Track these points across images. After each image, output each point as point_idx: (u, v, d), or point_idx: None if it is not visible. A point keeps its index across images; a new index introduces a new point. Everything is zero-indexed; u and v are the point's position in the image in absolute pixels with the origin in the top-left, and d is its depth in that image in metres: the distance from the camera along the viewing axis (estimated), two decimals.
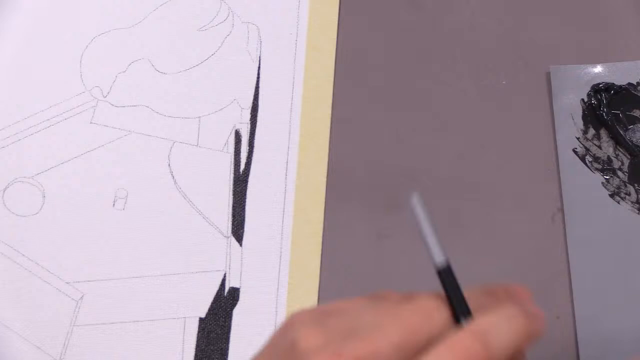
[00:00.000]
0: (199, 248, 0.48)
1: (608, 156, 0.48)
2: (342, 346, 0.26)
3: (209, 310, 0.47)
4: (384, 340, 0.26)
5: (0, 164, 0.51)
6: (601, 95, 0.50)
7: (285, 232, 0.48)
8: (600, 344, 0.43)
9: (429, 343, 0.26)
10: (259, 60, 0.54)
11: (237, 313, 0.47)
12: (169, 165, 0.51)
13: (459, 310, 0.27)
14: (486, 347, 0.26)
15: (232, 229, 0.49)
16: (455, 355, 0.26)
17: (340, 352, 0.26)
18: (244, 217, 0.49)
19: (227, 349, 0.46)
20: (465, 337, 0.26)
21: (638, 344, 0.43)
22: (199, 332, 0.46)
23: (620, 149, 0.49)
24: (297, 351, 0.27)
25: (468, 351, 0.26)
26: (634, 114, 0.49)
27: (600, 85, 0.50)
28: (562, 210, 0.47)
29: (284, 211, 0.49)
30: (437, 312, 0.27)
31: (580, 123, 0.50)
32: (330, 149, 0.51)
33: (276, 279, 0.47)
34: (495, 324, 0.27)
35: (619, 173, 0.48)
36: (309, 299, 0.47)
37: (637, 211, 0.47)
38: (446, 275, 0.28)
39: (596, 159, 0.48)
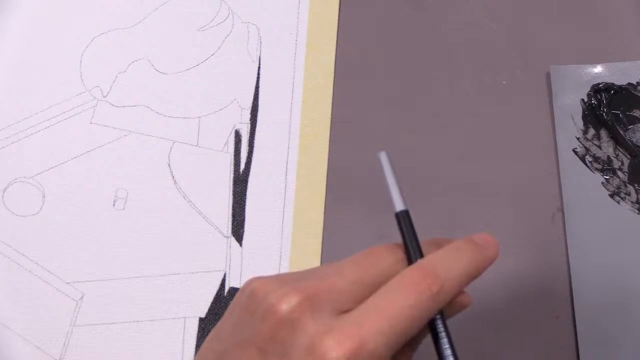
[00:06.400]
0: (199, 248, 0.48)
1: (608, 156, 0.48)
2: (301, 285, 0.28)
3: (209, 310, 0.47)
4: (340, 277, 0.28)
5: (0, 164, 0.52)
6: (601, 95, 0.50)
7: (285, 232, 0.48)
8: (600, 344, 0.43)
9: (385, 282, 0.28)
10: (259, 60, 0.54)
11: None
12: (169, 165, 0.51)
13: (412, 251, 0.30)
14: (435, 279, 0.28)
15: (232, 229, 0.49)
16: (404, 288, 0.27)
17: (298, 288, 0.27)
18: (244, 217, 0.49)
19: None
20: (413, 271, 0.28)
21: (638, 344, 0.43)
22: (199, 332, 0.46)
23: (620, 149, 0.49)
24: (256, 297, 0.28)
25: (417, 284, 0.27)
26: (634, 114, 0.49)
27: (600, 85, 0.50)
28: (562, 210, 0.47)
29: (284, 211, 0.49)
30: (388, 254, 0.29)
31: (580, 123, 0.50)
32: (330, 149, 0.51)
33: None
34: (442, 258, 0.29)
35: (619, 173, 0.48)
36: None
37: (637, 211, 0.47)
38: (404, 221, 0.30)
39: (596, 159, 0.48)
